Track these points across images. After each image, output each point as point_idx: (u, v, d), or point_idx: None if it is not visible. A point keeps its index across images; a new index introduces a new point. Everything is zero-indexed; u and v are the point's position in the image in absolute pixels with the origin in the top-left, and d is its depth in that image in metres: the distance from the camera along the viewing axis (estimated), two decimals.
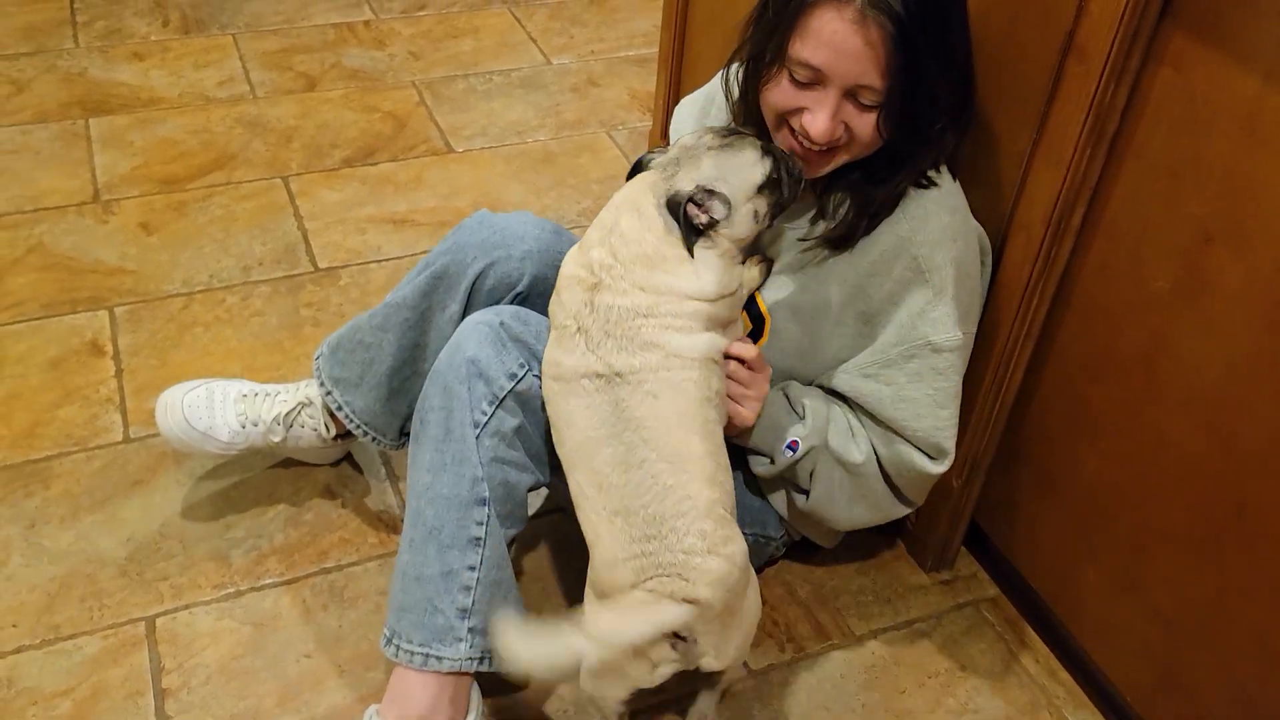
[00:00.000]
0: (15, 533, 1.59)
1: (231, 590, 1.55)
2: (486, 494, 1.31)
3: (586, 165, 2.51)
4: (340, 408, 1.54)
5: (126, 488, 1.68)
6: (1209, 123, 1.17)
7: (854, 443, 1.38)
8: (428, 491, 1.32)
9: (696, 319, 1.22)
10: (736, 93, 1.36)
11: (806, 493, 1.43)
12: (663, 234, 1.22)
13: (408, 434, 1.47)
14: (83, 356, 1.89)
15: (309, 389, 1.59)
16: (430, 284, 1.45)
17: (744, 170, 1.24)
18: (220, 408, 1.57)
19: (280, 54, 2.79)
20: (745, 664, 1.51)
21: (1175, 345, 1.27)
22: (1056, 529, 1.52)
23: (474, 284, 1.43)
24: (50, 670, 1.43)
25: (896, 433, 1.36)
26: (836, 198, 1.34)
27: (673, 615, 1.14)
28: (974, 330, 1.40)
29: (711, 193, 1.22)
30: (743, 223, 1.24)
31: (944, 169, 1.33)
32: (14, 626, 1.48)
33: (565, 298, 1.25)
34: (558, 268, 1.29)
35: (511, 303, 1.43)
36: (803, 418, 1.38)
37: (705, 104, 1.52)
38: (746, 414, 1.34)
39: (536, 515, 1.68)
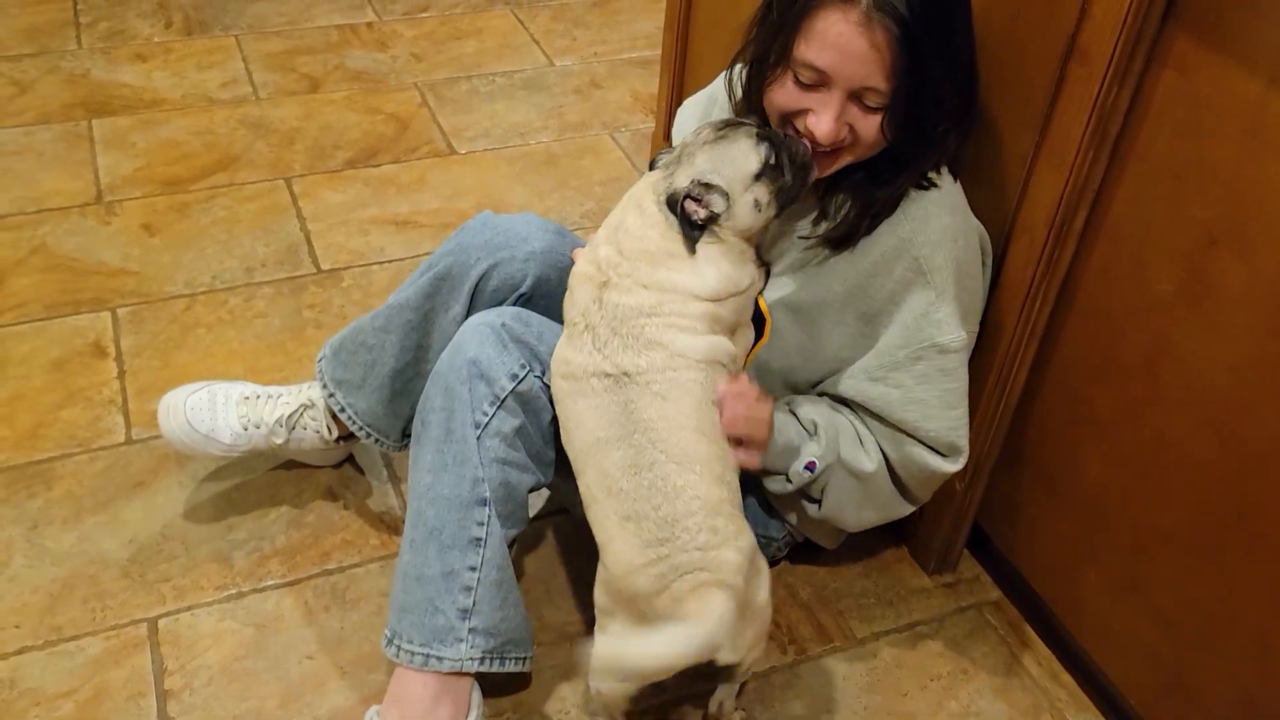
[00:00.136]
0: (18, 534, 1.59)
1: (233, 592, 1.55)
2: (487, 494, 1.31)
3: (589, 167, 2.51)
4: (343, 409, 1.54)
5: (129, 489, 1.68)
6: (1212, 126, 1.17)
7: (864, 451, 1.38)
8: (429, 492, 1.32)
9: (702, 320, 1.22)
10: (739, 94, 1.36)
11: (819, 502, 1.43)
12: (664, 231, 1.22)
13: (410, 435, 1.47)
14: (85, 358, 1.89)
15: (311, 391, 1.59)
16: (433, 285, 1.45)
17: (738, 160, 1.23)
18: (222, 410, 1.57)
19: (283, 55, 2.79)
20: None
21: (1178, 348, 1.27)
22: (1059, 531, 1.52)
23: (477, 285, 1.43)
24: (52, 671, 1.43)
25: (908, 434, 1.36)
26: (839, 199, 1.34)
27: (720, 611, 1.14)
28: (977, 329, 1.40)
29: (708, 186, 1.22)
30: (744, 214, 1.24)
31: (944, 170, 1.33)
32: (16, 627, 1.48)
33: (577, 295, 1.25)
34: (561, 269, 1.29)
35: (515, 304, 1.43)
36: (815, 435, 1.37)
37: (708, 105, 1.52)
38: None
39: (538, 516, 1.68)
